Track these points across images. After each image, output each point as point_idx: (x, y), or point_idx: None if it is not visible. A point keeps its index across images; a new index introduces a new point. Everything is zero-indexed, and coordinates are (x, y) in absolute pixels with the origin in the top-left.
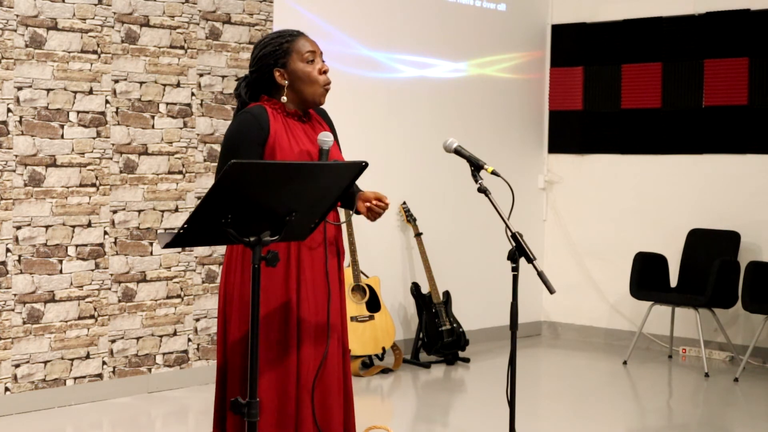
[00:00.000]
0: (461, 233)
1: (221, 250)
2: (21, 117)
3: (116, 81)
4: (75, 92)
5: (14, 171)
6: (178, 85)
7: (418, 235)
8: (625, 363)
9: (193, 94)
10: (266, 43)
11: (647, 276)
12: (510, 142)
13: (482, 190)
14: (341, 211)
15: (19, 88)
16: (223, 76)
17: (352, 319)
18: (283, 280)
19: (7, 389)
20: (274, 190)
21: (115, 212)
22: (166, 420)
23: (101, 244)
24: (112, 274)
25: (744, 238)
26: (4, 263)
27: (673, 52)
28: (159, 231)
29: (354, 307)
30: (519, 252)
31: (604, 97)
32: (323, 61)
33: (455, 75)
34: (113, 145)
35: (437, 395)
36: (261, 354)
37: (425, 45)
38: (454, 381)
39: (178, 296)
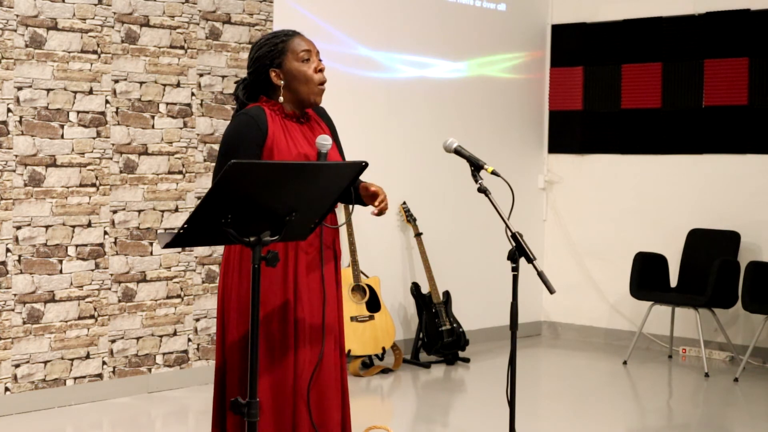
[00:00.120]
0: (461, 233)
1: (221, 250)
2: (21, 117)
3: (116, 81)
4: (75, 92)
5: (14, 171)
6: (178, 85)
7: (418, 235)
8: (625, 363)
9: (193, 94)
10: (262, 43)
11: (647, 276)
12: (510, 142)
13: (482, 190)
14: (339, 214)
15: (19, 88)
16: (223, 76)
17: (352, 319)
18: (281, 282)
19: (7, 389)
20: (274, 190)
21: (115, 212)
22: (166, 420)
23: (101, 244)
24: (112, 274)
25: (744, 238)
26: (4, 263)
27: (673, 52)
28: (159, 231)
29: (354, 307)
30: (519, 252)
31: (604, 97)
32: (320, 60)
33: (455, 75)
34: (113, 145)
35: (437, 395)
36: (260, 357)
37: (425, 45)
38: (454, 381)
39: (178, 296)
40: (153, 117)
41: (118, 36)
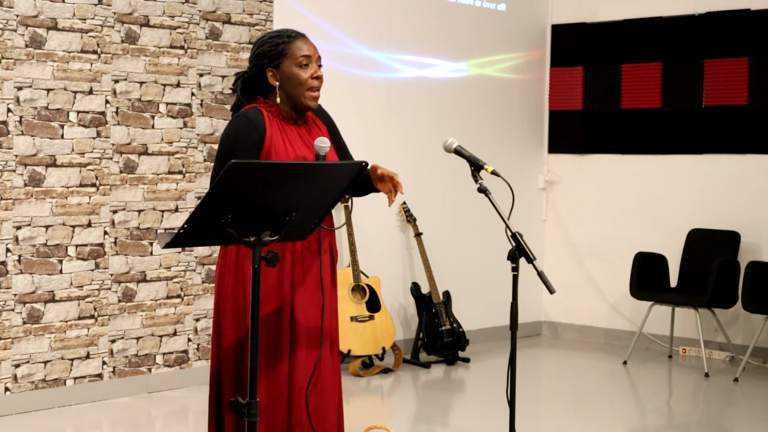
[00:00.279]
0: (461, 233)
1: None
2: (21, 117)
3: (116, 81)
4: (75, 92)
5: (14, 171)
6: (178, 85)
7: (418, 235)
8: (625, 363)
9: (193, 94)
10: (265, 41)
11: (647, 276)
12: (510, 142)
13: (482, 190)
14: (338, 215)
15: (19, 88)
16: (223, 76)
17: (352, 319)
18: (277, 285)
19: (7, 389)
20: (274, 190)
21: (115, 212)
22: (166, 420)
23: (101, 244)
24: (112, 274)
25: (744, 238)
26: (4, 263)
27: (673, 52)
28: (159, 231)
29: (354, 307)
30: (519, 252)
31: (604, 97)
32: (319, 66)
33: (455, 75)
34: (113, 145)
35: (437, 395)
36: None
37: (425, 45)
38: (454, 381)
39: (178, 296)
40: (153, 117)
41: (118, 36)
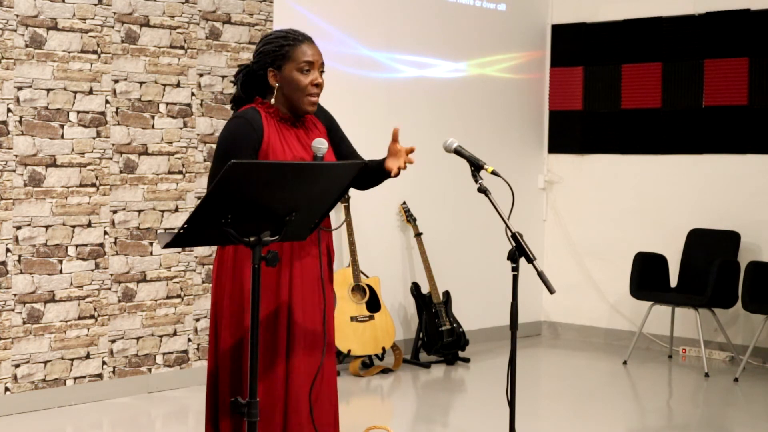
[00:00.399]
0: (461, 233)
1: None
2: (21, 117)
3: (116, 81)
4: (75, 92)
5: (14, 171)
6: (178, 85)
7: (418, 235)
8: (625, 363)
9: (193, 94)
10: (270, 40)
11: (647, 276)
12: (510, 142)
13: (482, 190)
14: (337, 216)
15: (19, 88)
16: (223, 76)
17: (352, 319)
18: (274, 288)
19: (7, 389)
20: (274, 190)
21: (115, 212)
22: (166, 420)
23: (101, 244)
24: (112, 274)
25: (744, 238)
26: (4, 263)
27: (673, 52)
28: (159, 231)
29: (354, 307)
30: (519, 252)
31: (604, 97)
32: (321, 72)
33: (455, 75)
34: (113, 145)
35: (437, 395)
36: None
37: (425, 45)
38: (454, 381)
39: (178, 296)
40: (153, 117)
41: (118, 36)
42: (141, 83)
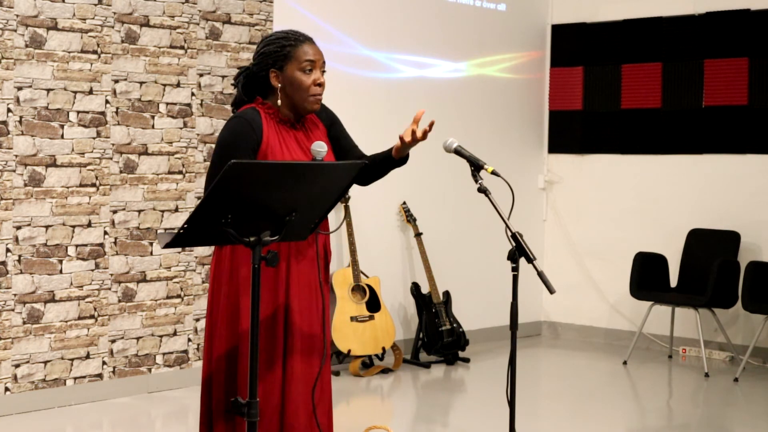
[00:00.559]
0: (461, 233)
1: None
2: (21, 117)
3: (116, 81)
4: (75, 92)
5: (14, 171)
6: (178, 85)
7: (418, 235)
8: (625, 363)
9: (193, 94)
10: (271, 41)
11: (647, 276)
12: (510, 142)
13: (482, 190)
14: (335, 216)
15: (19, 88)
16: (223, 76)
17: (352, 319)
18: (272, 290)
19: (7, 389)
20: (274, 190)
21: (115, 212)
22: (166, 420)
23: (101, 244)
24: (112, 274)
25: (744, 238)
26: (4, 263)
27: (673, 52)
28: (159, 231)
29: (354, 307)
30: (519, 252)
31: (604, 97)
32: (323, 72)
33: (455, 75)
34: (113, 145)
35: (437, 395)
36: (246, 364)
37: (425, 45)
38: (454, 381)
39: (178, 296)
40: (153, 117)
41: (118, 36)
42: (141, 83)
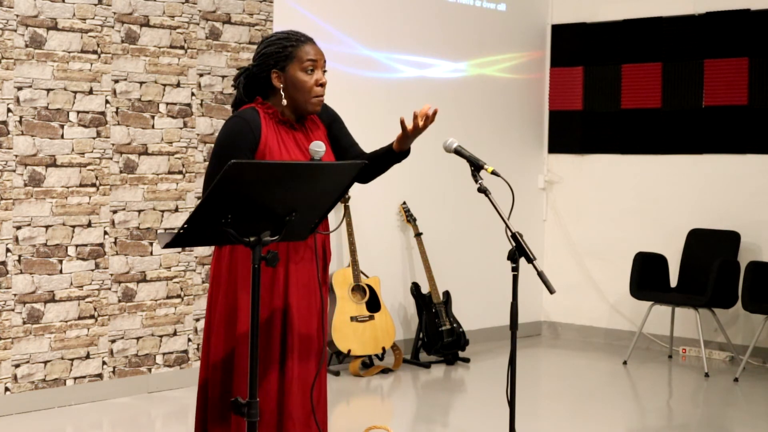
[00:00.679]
0: (461, 233)
1: None
2: (21, 117)
3: (116, 81)
4: (75, 92)
5: (14, 171)
6: (178, 85)
7: (418, 235)
8: (625, 363)
9: (193, 94)
10: (272, 42)
11: (647, 276)
12: (510, 142)
13: (482, 190)
14: (335, 216)
15: (19, 88)
16: (223, 76)
17: (352, 319)
18: (268, 292)
19: (7, 389)
20: (274, 190)
21: (115, 212)
22: (166, 420)
23: (101, 244)
24: (112, 274)
25: (744, 238)
26: (4, 263)
27: (673, 52)
28: (159, 231)
29: (354, 307)
30: (519, 252)
31: (604, 97)
32: (324, 71)
33: (455, 75)
34: (113, 145)
35: (437, 395)
36: (243, 365)
37: (425, 45)
38: (454, 381)
39: (178, 296)
40: (153, 117)
41: (118, 36)
42: (141, 83)
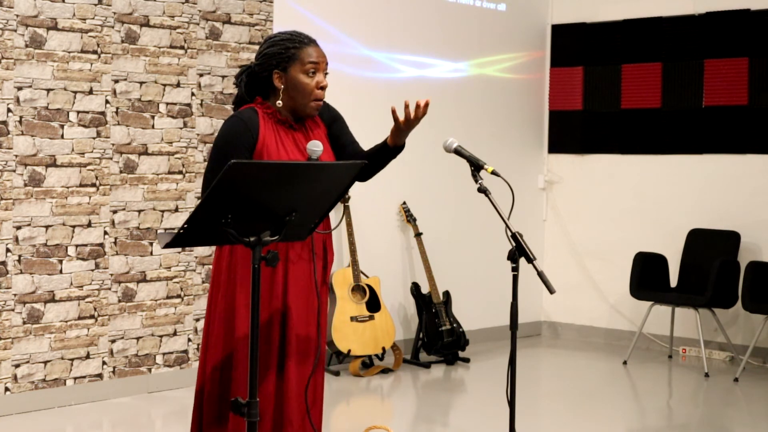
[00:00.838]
0: (461, 233)
1: None
2: (21, 117)
3: (116, 81)
4: (75, 92)
5: (14, 171)
6: (178, 85)
7: (418, 235)
8: (625, 363)
9: (193, 94)
10: (275, 42)
11: (647, 276)
12: (510, 142)
13: (482, 190)
14: (334, 217)
15: (19, 88)
16: (223, 76)
17: (352, 319)
18: (267, 292)
19: (7, 389)
20: (274, 190)
21: (115, 212)
22: (166, 420)
23: (101, 244)
24: (112, 274)
25: (744, 238)
26: (4, 263)
27: (673, 52)
28: (159, 231)
29: (354, 307)
30: (519, 252)
31: (604, 97)
32: (326, 74)
33: (455, 75)
34: (113, 145)
35: (437, 395)
36: (241, 366)
37: (425, 45)
38: (454, 381)
39: (178, 296)
40: (153, 117)
41: (118, 36)
42: (141, 83)
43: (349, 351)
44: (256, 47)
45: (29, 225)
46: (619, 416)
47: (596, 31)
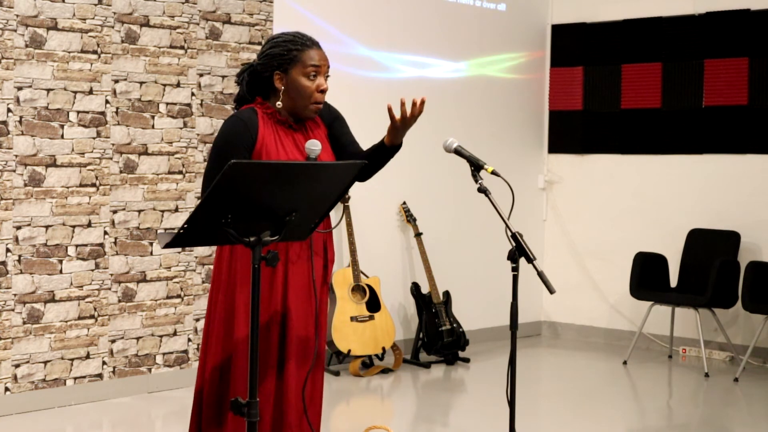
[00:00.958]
0: (461, 233)
1: None
2: (21, 117)
3: (116, 81)
4: (75, 92)
5: (14, 171)
6: (178, 85)
7: (418, 235)
8: (625, 363)
9: (193, 94)
10: (278, 42)
11: (647, 276)
12: (510, 142)
13: (482, 190)
14: (333, 218)
15: (19, 88)
16: (223, 76)
17: (352, 319)
18: (268, 290)
19: (7, 389)
20: (274, 190)
21: (115, 212)
22: (166, 420)
23: (101, 244)
24: (112, 274)
25: (744, 238)
26: (4, 263)
27: (673, 52)
28: (159, 231)
29: (354, 307)
30: (519, 252)
31: (604, 97)
32: (326, 77)
33: (455, 75)
34: (113, 145)
35: (437, 395)
36: (241, 367)
37: (425, 45)
38: (454, 381)
39: (178, 296)
40: (153, 117)
41: (118, 36)
42: (141, 83)
43: (349, 351)
44: (256, 47)
45: (29, 225)
46: (619, 416)
47: (596, 31)
